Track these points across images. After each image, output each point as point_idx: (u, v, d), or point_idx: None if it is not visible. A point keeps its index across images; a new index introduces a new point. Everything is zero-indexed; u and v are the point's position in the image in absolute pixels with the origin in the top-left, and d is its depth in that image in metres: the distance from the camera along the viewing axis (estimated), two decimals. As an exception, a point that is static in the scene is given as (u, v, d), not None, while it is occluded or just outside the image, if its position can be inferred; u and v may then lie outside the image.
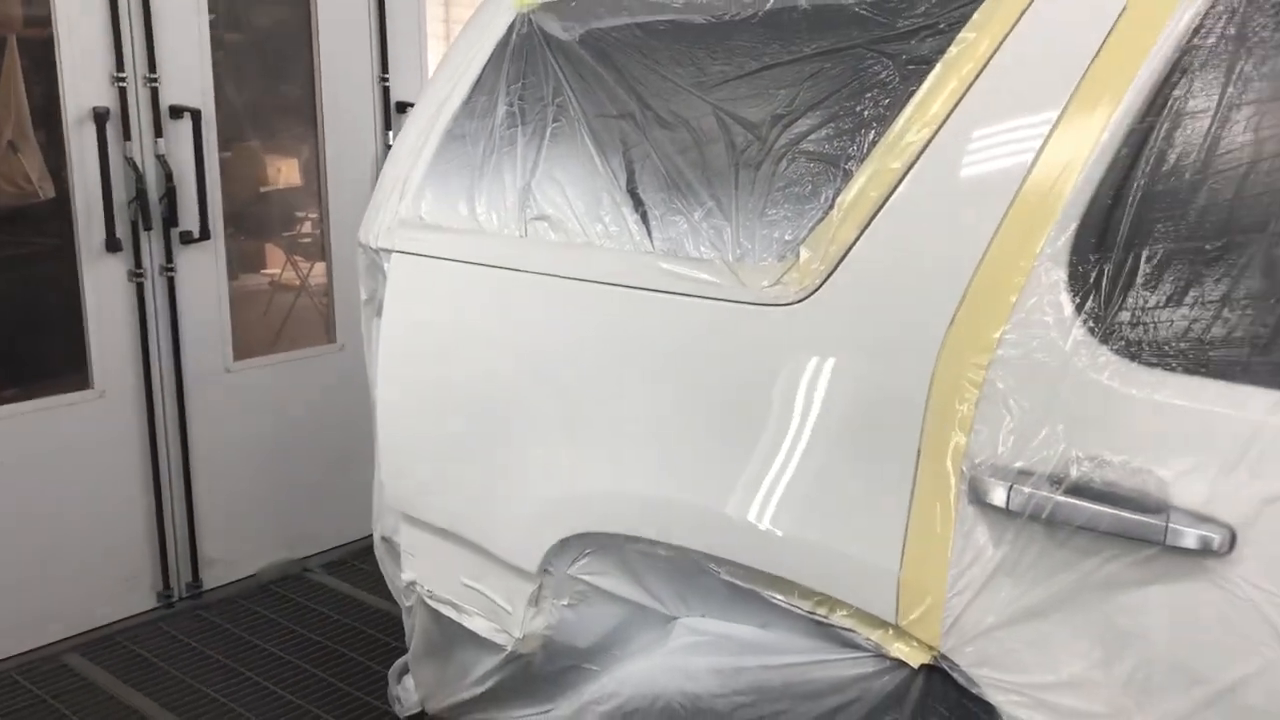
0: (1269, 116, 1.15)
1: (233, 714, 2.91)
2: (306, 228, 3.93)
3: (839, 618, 1.40)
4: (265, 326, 3.83)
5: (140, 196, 3.22)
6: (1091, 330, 1.20)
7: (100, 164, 3.14)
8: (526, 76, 1.84)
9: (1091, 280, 1.21)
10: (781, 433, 1.42)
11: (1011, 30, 1.32)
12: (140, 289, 3.30)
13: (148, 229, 3.28)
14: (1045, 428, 1.21)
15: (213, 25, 3.39)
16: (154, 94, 3.25)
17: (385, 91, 3.84)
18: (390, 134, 3.83)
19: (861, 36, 1.46)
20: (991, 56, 1.33)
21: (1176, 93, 1.20)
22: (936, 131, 1.35)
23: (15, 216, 3.18)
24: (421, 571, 2.00)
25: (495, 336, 1.79)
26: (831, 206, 1.41)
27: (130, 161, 3.22)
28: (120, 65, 3.17)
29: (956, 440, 1.27)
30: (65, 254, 3.17)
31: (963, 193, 1.32)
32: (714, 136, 1.56)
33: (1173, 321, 1.16)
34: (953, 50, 1.36)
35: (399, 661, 2.33)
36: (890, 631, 1.36)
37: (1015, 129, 1.30)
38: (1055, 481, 1.20)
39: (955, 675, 1.30)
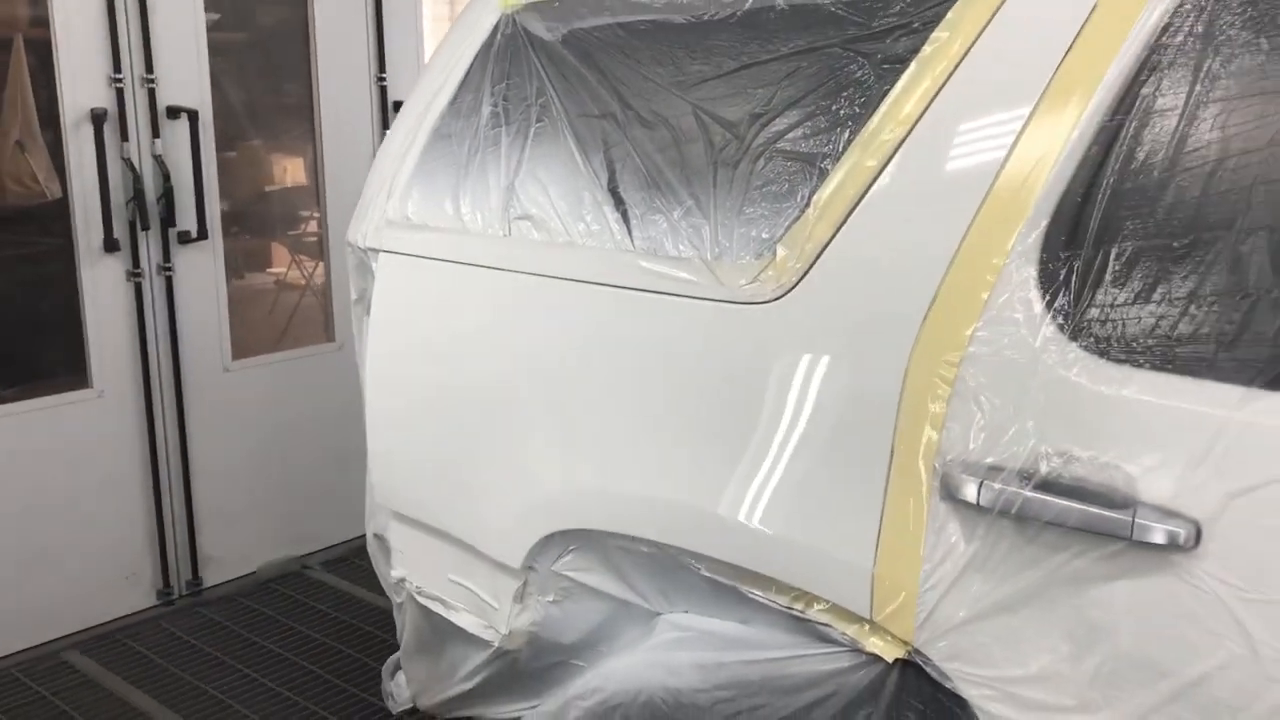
0: (1235, 114, 1.16)
1: (232, 711, 2.93)
2: (304, 227, 3.95)
3: (816, 613, 1.41)
4: (264, 326, 3.85)
5: (138, 196, 3.25)
6: (1061, 327, 1.21)
7: (98, 164, 3.16)
8: (511, 76, 1.85)
9: (1061, 277, 1.22)
10: (758, 430, 1.43)
11: (984, 29, 1.33)
12: (138, 289, 3.32)
13: (145, 229, 3.30)
14: (1015, 424, 1.22)
15: (210, 26, 3.41)
16: (151, 95, 3.27)
17: (383, 91, 3.86)
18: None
19: (838, 36, 1.46)
20: (965, 55, 1.34)
21: (1145, 90, 1.21)
22: (910, 130, 1.35)
23: (20, 217, 3.20)
24: (411, 568, 2.02)
25: (480, 336, 1.81)
26: (808, 205, 1.42)
27: (128, 162, 3.24)
28: (117, 66, 3.19)
29: (929, 437, 1.28)
30: (65, 254, 3.20)
31: (936, 191, 1.33)
32: (693, 135, 1.57)
33: (1140, 318, 1.17)
34: (926, 49, 1.37)
35: (392, 658, 2.35)
36: (866, 627, 1.37)
37: (988, 127, 1.31)
38: (1025, 477, 1.21)
39: (929, 669, 1.31)
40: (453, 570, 1.90)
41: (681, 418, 1.52)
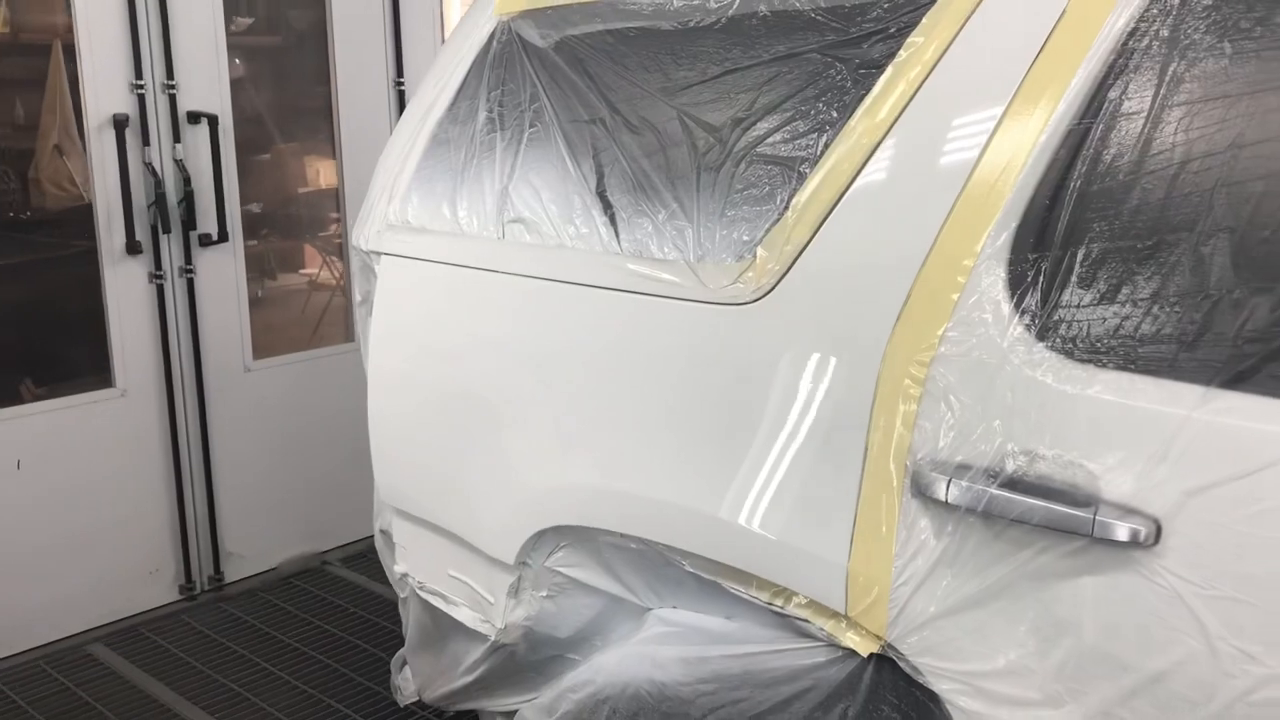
0: (1198, 118, 1.18)
1: (251, 704, 2.99)
2: (325, 229, 4.02)
3: (794, 609, 1.44)
4: (285, 326, 3.92)
5: (160, 200, 3.31)
6: (1028, 327, 1.23)
7: (120, 169, 3.23)
8: (506, 83, 1.89)
9: (1029, 278, 1.24)
10: (738, 429, 1.46)
11: (957, 34, 1.35)
12: (160, 290, 3.39)
13: (167, 232, 3.37)
14: (983, 423, 1.24)
15: (230, 32, 3.48)
16: (172, 100, 3.33)
17: (400, 95, 3.90)
18: (405, 136, 3.90)
19: (817, 41, 1.49)
20: (938, 60, 1.36)
21: (1112, 94, 1.23)
22: (885, 133, 1.38)
23: (50, 221, 3.29)
24: (413, 564, 2.06)
25: (475, 337, 1.85)
26: (787, 208, 1.45)
27: (149, 166, 3.31)
28: (139, 73, 3.26)
29: (901, 436, 1.31)
30: (89, 257, 3.27)
31: (909, 193, 1.35)
32: (678, 140, 1.60)
33: (1104, 319, 1.19)
34: (902, 54, 1.39)
35: (400, 652, 2.39)
36: (842, 622, 1.39)
37: (959, 131, 1.33)
38: (992, 475, 1.23)
39: (901, 664, 1.34)
40: (452, 566, 1.94)
41: (666, 417, 1.55)
